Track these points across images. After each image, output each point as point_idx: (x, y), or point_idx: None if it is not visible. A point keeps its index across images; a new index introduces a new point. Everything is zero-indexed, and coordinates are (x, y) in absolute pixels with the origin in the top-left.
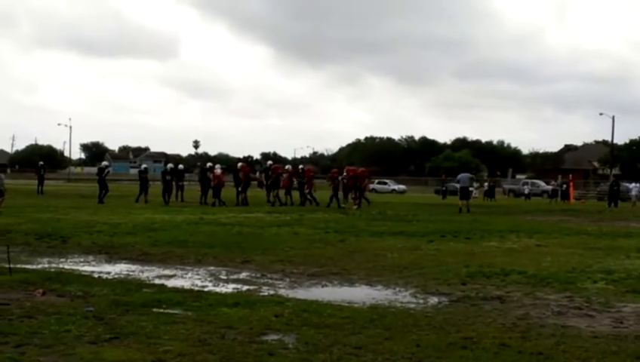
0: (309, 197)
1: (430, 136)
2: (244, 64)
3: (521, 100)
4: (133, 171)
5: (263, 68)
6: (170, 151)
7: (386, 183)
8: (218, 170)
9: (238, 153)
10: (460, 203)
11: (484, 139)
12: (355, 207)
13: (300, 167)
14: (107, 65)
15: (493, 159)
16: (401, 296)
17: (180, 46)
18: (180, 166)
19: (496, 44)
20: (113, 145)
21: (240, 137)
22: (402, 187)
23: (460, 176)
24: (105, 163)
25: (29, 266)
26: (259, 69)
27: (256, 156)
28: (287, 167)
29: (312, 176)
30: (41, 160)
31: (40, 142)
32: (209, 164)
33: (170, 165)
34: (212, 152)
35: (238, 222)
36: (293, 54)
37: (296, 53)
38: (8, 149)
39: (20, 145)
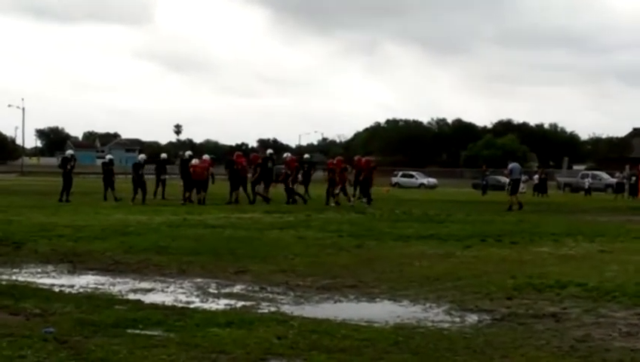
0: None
1: (466, 119)
2: (236, 30)
3: (579, 73)
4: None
5: (258, 35)
6: (145, 137)
7: (412, 176)
8: (196, 160)
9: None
10: (510, 199)
11: (533, 122)
12: (333, 204)
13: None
14: (67, 32)
15: (545, 146)
16: (432, 314)
17: (155, 8)
18: (163, 155)
19: (547, 4)
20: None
21: (232, 121)
22: (432, 181)
23: (512, 166)
24: (70, 152)
25: None
26: (253, 36)
27: (252, 144)
28: (285, 155)
29: (298, 167)
30: None
31: None
32: (188, 153)
33: (142, 156)
34: (198, 139)
35: (230, 224)
36: (295, 17)
37: (300, 16)
38: None
39: None
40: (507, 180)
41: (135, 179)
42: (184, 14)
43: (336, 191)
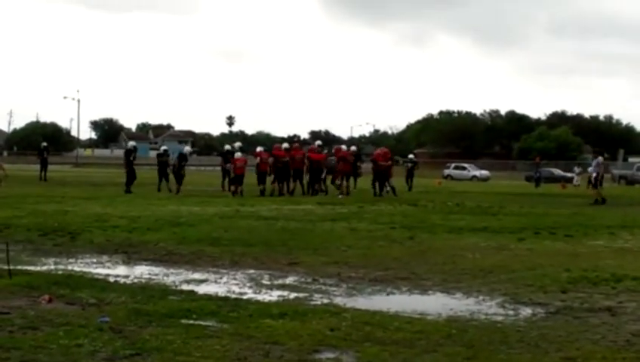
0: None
1: (519, 110)
2: (286, 21)
3: (636, 63)
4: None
5: (309, 25)
6: (198, 129)
7: (464, 168)
8: (238, 154)
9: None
10: (594, 192)
11: (587, 114)
12: (341, 196)
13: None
14: (118, 22)
15: (600, 138)
16: (485, 307)
17: None
18: (187, 148)
19: None
20: (130, 122)
21: (283, 112)
22: (485, 173)
23: (599, 160)
24: (132, 143)
25: (31, 268)
26: (304, 26)
27: (304, 135)
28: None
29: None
30: (44, 140)
31: (42, 119)
32: (227, 147)
33: (187, 148)
34: (250, 130)
35: (282, 216)
36: (345, 8)
37: (350, 6)
38: (5, 128)
39: (19, 123)
40: (591, 173)
41: (176, 170)
42: (234, 5)
43: (337, 181)
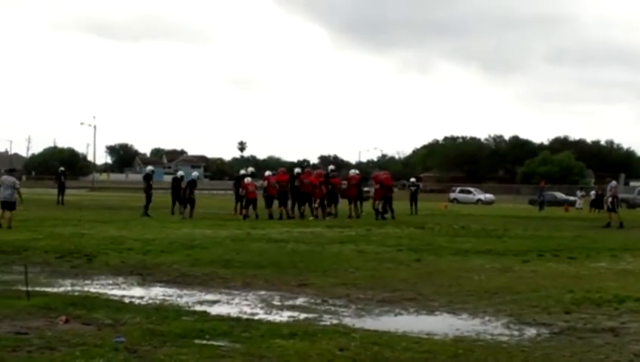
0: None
1: (523, 135)
2: (294, 49)
3: (636, 90)
4: (168, 178)
5: (315, 53)
6: (210, 154)
7: (470, 192)
8: (248, 179)
9: (292, 156)
10: (611, 216)
11: (589, 139)
12: (330, 216)
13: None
14: (131, 50)
15: (601, 163)
16: (491, 327)
17: (217, 26)
18: (195, 173)
19: (600, 20)
20: (144, 147)
21: (293, 137)
22: (490, 196)
23: (612, 184)
24: (150, 168)
25: (49, 289)
26: (311, 55)
27: (314, 160)
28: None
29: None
30: (61, 165)
31: (60, 145)
32: (242, 171)
33: (196, 173)
34: (261, 155)
35: (292, 239)
36: (351, 37)
37: (356, 35)
38: (24, 153)
39: (37, 148)
40: (607, 197)
41: (187, 195)
42: (244, 32)
43: (315, 205)
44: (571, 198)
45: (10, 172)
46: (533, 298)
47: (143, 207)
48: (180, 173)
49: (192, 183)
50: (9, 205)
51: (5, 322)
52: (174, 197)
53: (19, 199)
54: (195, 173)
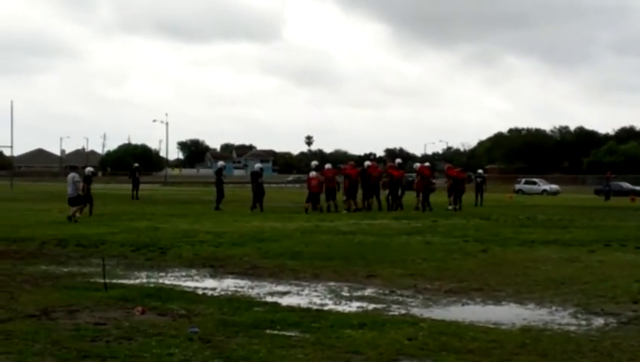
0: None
1: (588, 126)
2: (358, 45)
3: None
4: (238, 172)
5: (379, 49)
6: (279, 148)
7: (535, 183)
8: (313, 173)
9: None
10: None
11: None
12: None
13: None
14: (201, 51)
15: None
16: (558, 317)
17: (283, 25)
18: (257, 165)
19: None
20: (214, 142)
21: (359, 131)
22: (555, 187)
23: None
24: (221, 163)
25: (125, 281)
26: (375, 51)
27: (380, 153)
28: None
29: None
30: (135, 161)
31: (133, 142)
32: (314, 163)
33: (259, 165)
34: (327, 149)
35: (360, 230)
36: (413, 32)
37: (417, 30)
38: (99, 150)
39: (112, 145)
40: None
41: (254, 188)
42: (310, 30)
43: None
44: (638, 188)
45: (73, 168)
46: (601, 288)
47: (215, 200)
48: (258, 165)
49: (255, 175)
50: (70, 200)
51: (84, 313)
52: (258, 193)
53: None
54: (257, 165)
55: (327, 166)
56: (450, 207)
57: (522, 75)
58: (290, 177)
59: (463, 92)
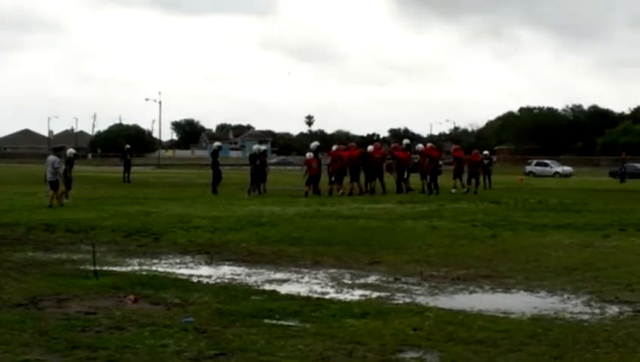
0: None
1: (603, 105)
2: (360, 18)
3: None
4: (235, 154)
5: (383, 22)
6: (278, 129)
7: (547, 165)
8: (310, 154)
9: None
10: None
11: None
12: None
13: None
14: (195, 25)
15: None
16: (570, 305)
17: None
18: (255, 146)
19: None
20: (210, 123)
21: (362, 110)
22: (568, 169)
23: None
24: (217, 143)
25: (117, 269)
26: (378, 24)
27: (384, 134)
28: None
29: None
30: (126, 142)
31: (125, 122)
32: (255, 147)
33: (257, 146)
34: (329, 130)
35: (363, 215)
36: (418, 4)
37: (423, 1)
38: (89, 130)
39: (102, 126)
40: None
41: (252, 170)
42: (308, 3)
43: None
44: None
45: (55, 151)
46: (615, 274)
47: (211, 183)
48: (261, 147)
49: (253, 157)
50: (51, 184)
51: (74, 301)
52: (257, 174)
53: (60, 180)
54: (255, 146)
55: (335, 147)
56: (454, 190)
57: (533, 49)
58: (274, 159)
59: (471, 67)
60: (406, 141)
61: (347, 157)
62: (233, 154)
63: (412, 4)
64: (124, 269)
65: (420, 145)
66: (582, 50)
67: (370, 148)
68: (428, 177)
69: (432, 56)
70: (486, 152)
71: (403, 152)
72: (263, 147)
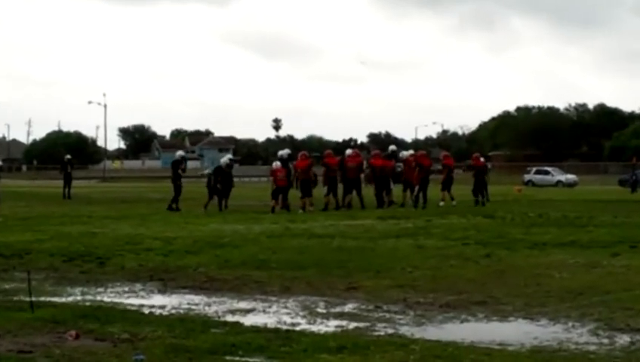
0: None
1: (610, 104)
2: (333, 6)
3: None
4: (193, 164)
5: (358, 10)
6: (240, 135)
7: (548, 173)
8: (277, 164)
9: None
10: None
11: None
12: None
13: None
14: (143, 14)
15: None
16: (575, 335)
17: None
18: (226, 158)
19: None
20: (162, 129)
21: (336, 112)
22: (572, 177)
23: None
24: (180, 153)
25: (56, 299)
26: (353, 13)
27: (362, 139)
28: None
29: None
30: (67, 152)
31: (65, 128)
32: (285, 152)
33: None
34: (299, 134)
35: (338, 233)
36: None
37: None
38: (23, 139)
39: (39, 133)
40: None
41: (211, 183)
42: None
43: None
44: None
45: None
46: (626, 298)
47: (171, 199)
48: (229, 156)
49: (218, 170)
50: None
51: (6, 339)
52: (224, 187)
53: None
54: (226, 158)
55: (301, 153)
56: (442, 203)
57: (530, 41)
58: (206, 170)
59: (461, 62)
60: (392, 147)
61: (299, 168)
62: (191, 164)
63: None
64: (64, 300)
65: (405, 153)
66: (585, 41)
67: (348, 152)
68: (416, 188)
69: (415, 50)
70: (482, 159)
71: (381, 160)
72: (181, 152)
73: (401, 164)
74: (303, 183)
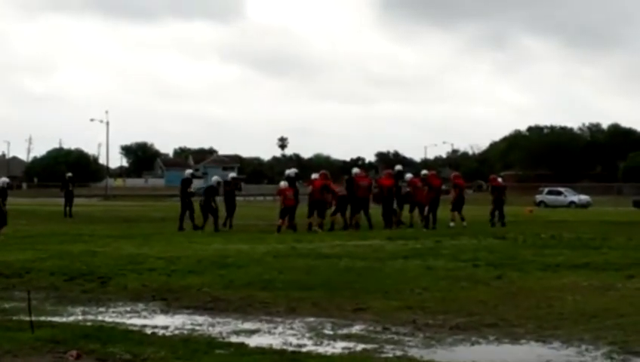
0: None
1: (624, 123)
2: (340, 25)
3: None
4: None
5: (366, 30)
6: (246, 153)
7: (560, 193)
8: (285, 183)
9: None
10: None
11: None
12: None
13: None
14: (147, 33)
15: None
16: (589, 358)
17: (247, 1)
18: (215, 178)
19: None
20: (166, 147)
21: (343, 131)
22: (585, 198)
23: None
24: (189, 171)
25: (56, 319)
26: (361, 32)
27: (370, 158)
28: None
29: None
30: (68, 170)
31: (66, 146)
32: (293, 171)
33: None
34: (305, 154)
35: (346, 253)
36: (407, 9)
37: (412, 6)
38: (24, 156)
39: (40, 150)
40: None
41: (205, 204)
42: (280, 8)
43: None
44: None
45: None
46: None
47: (179, 218)
48: (232, 174)
49: (211, 190)
50: None
51: (6, 359)
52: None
53: None
54: (214, 178)
55: (315, 176)
56: (452, 224)
57: (542, 60)
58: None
59: (471, 83)
60: (398, 167)
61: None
62: (196, 183)
63: (400, 10)
64: (65, 319)
65: (409, 175)
66: (599, 60)
67: (355, 171)
68: (426, 209)
69: (424, 70)
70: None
71: (388, 179)
72: (190, 171)
73: (405, 183)
74: (316, 203)
